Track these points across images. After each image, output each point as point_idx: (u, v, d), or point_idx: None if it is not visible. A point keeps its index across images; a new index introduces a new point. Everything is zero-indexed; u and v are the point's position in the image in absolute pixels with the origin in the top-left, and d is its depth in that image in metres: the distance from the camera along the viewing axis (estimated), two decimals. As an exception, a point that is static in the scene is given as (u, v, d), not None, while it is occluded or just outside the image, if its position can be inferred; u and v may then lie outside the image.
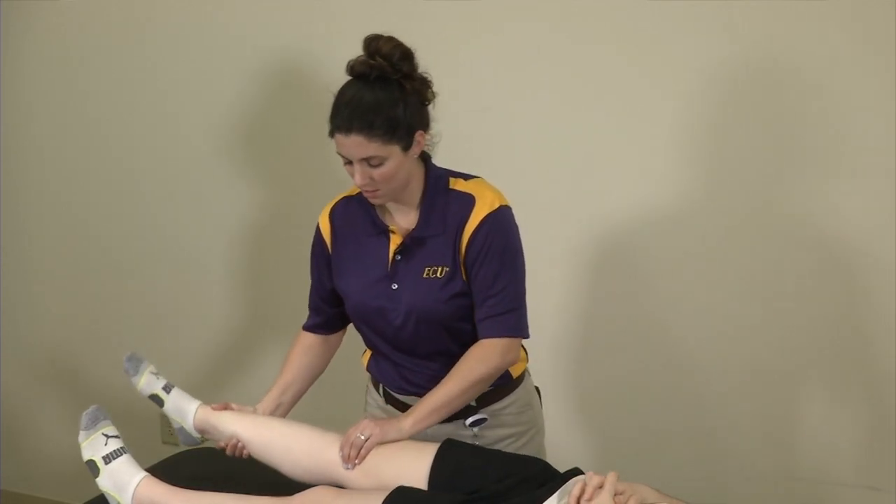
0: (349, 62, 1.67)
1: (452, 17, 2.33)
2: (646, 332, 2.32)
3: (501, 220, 1.73)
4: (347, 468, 1.68)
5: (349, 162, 1.67)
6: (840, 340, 2.15)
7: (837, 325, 2.14)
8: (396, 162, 1.66)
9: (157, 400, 1.88)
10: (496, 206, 1.73)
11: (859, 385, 2.16)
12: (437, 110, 2.36)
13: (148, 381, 1.88)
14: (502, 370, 1.76)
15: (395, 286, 1.75)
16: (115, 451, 1.72)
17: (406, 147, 1.66)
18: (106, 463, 1.71)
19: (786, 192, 2.13)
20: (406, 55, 1.66)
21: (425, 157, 1.78)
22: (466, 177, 1.79)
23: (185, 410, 1.87)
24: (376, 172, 1.65)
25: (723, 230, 2.20)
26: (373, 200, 1.73)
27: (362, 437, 1.68)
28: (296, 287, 2.69)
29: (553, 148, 2.31)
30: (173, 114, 2.75)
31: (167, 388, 1.88)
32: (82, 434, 1.73)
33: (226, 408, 1.86)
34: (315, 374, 1.96)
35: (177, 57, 2.70)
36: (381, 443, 1.68)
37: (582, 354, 2.40)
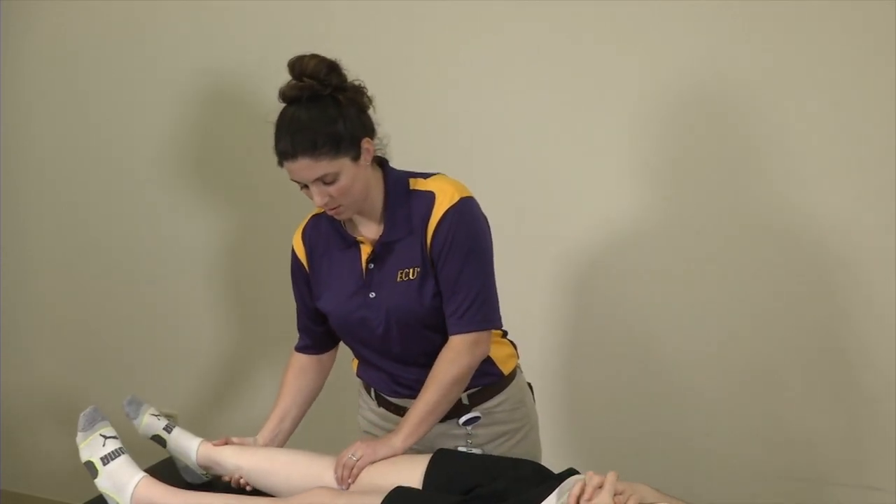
0: (280, 89, 1.66)
1: (452, 17, 2.33)
2: (641, 332, 2.32)
3: (463, 213, 1.71)
4: (343, 489, 1.68)
5: (305, 186, 1.67)
6: (839, 340, 2.14)
7: (837, 326, 2.14)
8: (350, 174, 1.65)
9: (159, 441, 1.88)
10: (456, 199, 1.71)
11: (858, 385, 2.15)
12: (436, 109, 2.38)
13: (149, 423, 1.89)
14: (475, 366, 1.75)
15: (372, 294, 1.75)
16: (113, 451, 1.72)
17: (355, 157, 1.66)
18: (104, 464, 1.70)
19: (778, 195, 2.12)
20: (332, 68, 1.65)
21: (382, 162, 1.78)
22: (426, 175, 1.78)
23: (188, 448, 1.86)
24: (333, 189, 1.65)
25: (716, 232, 2.20)
26: (338, 217, 1.73)
27: (354, 458, 1.68)
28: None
29: (548, 150, 2.31)
30: (173, 114, 2.75)
31: (168, 429, 1.88)
32: (80, 435, 1.73)
33: (226, 443, 1.85)
34: (311, 397, 1.95)
35: (177, 57, 2.70)
36: (373, 461, 1.69)
37: (574, 355, 2.40)
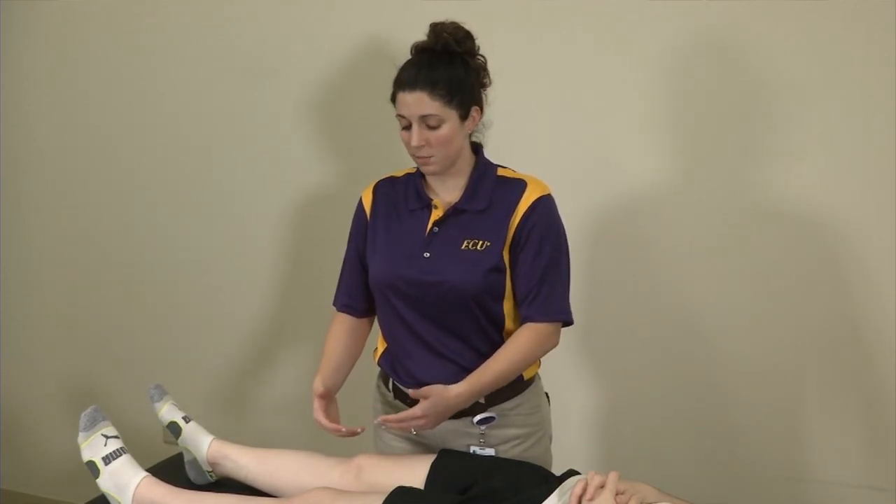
0: (414, 43, 1.75)
1: (452, 17, 2.32)
2: (646, 333, 2.32)
3: (553, 206, 1.79)
4: (382, 427, 1.77)
5: (406, 127, 1.72)
6: (842, 339, 2.14)
7: (839, 325, 2.14)
8: (452, 128, 1.71)
9: (174, 428, 1.91)
10: (548, 191, 1.79)
11: (861, 384, 2.15)
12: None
13: (169, 410, 1.94)
14: (546, 352, 1.80)
15: (427, 254, 1.76)
16: (114, 451, 1.72)
17: (462, 116, 1.73)
18: (106, 464, 1.71)
19: (793, 185, 2.12)
20: (468, 35, 1.76)
21: (477, 148, 1.83)
22: (515, 171, 1.84)
23: (200, 442, 1.89)
24: (433, 136, 1.70)
25: (727, 223, 2.20)
26: (425, 168, 1.76)
27: (413, 432, 1.76)
28: (299, 287, 2.69)
29: (552, 141, 2.31)
30: (173, 114, 2.75)
31: (186, 419, 1.93)
32: (81, 435, 1.73)
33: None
34: (355, 359, 1.92)
35: (176, 57, 2.70)
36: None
37: (584, 353, 2.40)
